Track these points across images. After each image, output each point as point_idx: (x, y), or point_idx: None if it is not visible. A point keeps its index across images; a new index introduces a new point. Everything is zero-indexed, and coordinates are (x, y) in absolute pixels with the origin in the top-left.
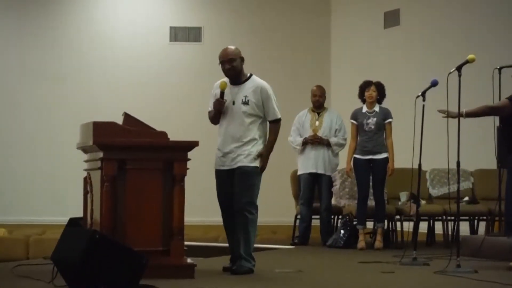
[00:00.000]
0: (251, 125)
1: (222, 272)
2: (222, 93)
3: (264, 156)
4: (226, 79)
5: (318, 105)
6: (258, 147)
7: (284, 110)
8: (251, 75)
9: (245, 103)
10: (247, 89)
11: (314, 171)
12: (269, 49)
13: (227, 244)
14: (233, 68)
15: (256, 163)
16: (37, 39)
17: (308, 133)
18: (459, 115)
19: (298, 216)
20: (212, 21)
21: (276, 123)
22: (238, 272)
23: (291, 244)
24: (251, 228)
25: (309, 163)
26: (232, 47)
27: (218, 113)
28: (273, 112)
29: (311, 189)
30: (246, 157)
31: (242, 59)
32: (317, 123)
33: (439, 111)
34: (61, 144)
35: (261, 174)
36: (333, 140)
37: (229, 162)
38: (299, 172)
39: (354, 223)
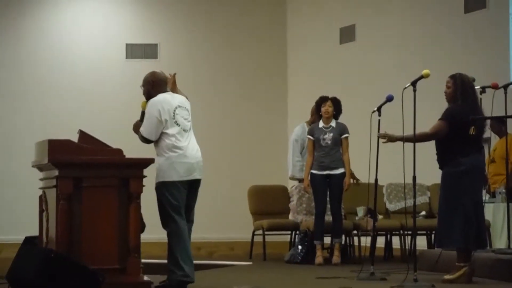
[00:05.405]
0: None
1: None
2: (142, 113)
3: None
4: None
5: None
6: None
7: (241, 125)
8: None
9: None
10: None
11: None
12: (226, 65)
13: None
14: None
15: (158, 179)
16: None
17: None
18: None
19: (258, 232)
20: (169, 38)
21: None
22: (165, 285)
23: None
24: (171, 241)
25: None
26: (149, 72)
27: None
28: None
29: None
30: None
31: (152, 83)
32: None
33: (379, 136)
34: (17, 162)
35: (162, 188)
36: None
37: None
38: None
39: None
